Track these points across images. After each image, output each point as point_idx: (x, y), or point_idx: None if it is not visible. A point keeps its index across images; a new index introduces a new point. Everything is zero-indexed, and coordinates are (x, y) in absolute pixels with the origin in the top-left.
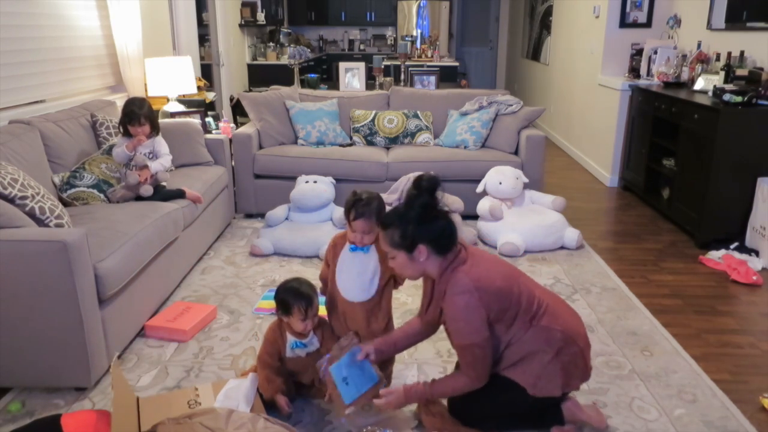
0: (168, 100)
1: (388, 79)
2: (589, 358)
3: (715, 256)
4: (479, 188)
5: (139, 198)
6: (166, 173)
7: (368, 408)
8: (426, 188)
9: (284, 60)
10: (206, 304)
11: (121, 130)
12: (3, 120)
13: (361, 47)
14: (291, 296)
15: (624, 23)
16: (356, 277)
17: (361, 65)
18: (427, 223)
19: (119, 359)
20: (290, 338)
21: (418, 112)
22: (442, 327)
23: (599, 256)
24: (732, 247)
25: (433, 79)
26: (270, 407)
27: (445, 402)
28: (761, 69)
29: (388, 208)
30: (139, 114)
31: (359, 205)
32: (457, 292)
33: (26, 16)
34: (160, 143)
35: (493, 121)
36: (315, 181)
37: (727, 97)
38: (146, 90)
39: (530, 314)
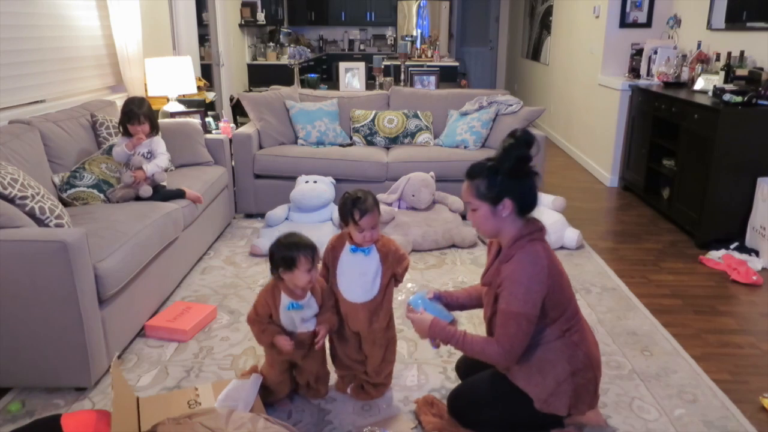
0: (168, 100)
1: (388, 79)
2: (599, 386)
3: (715, 256)
4: None
5: (138, 198)
6: (163, 173)
7: (368, 408)
8: (523, 140)
9: (284, 60)
10: (206, 304)
11: (121, 129)
12: (3, 120)
13: (361, 47)
14: (294, 249)
15: (624, 23)
16: (358, 278)
17: (361, 65)
18: (519, 177)
19: (119, 359)
20: (285, 300)
21: (418, 112)
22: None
23: (599, 256)
24: (732, 247)
25: (433, 79)
26: (270, 406)
27: (445, 402)
28: (761, 69)
29: (386, 208)
30: (138, 113)
31: (360, 203)
32: (529, 260)
33: (26, 16)
34: (158, 143)
35: (493, 121)
36: (315, 181)
37: (727, 97)
38: (146, 90)
39: (568, 325)
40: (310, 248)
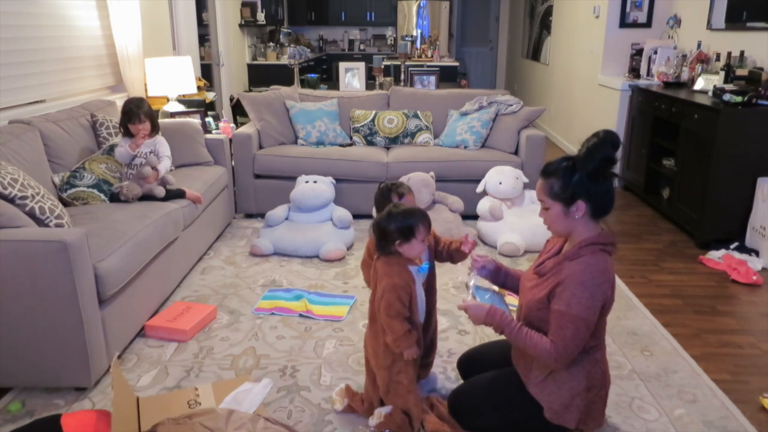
0: (168, 100)
1: (388, 79)
2: (606, 405)
3: (715, 256)
4: (479, 188)
5: (146, 198)
6: (171, 177)
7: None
8: (609, 140)
9: (284, 60)
10: (206, 304)
11: (122, 130)
12: (3, 120)
13: (361, 47)
14: (411, 217)
15: (624, 23)
16: (426, 290)
17: (361, 65)
18: (598, 179)
19: (119, 359)
20: (414, 269)
21: (418, 112)
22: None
23: None
24: (732, 247)
25: (433, 79)
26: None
27: (445, 401)
28: (761, 69)
29: None
30: (137, 112)
31: (396, 188)
32: (599, 269)
33: (26, 16)
34: (162, 144)
35: (493, 121)
36: (315, 181)
37: (727, 97)
38: (146, 90)
39: (595, 342)
40: (425, 216)
